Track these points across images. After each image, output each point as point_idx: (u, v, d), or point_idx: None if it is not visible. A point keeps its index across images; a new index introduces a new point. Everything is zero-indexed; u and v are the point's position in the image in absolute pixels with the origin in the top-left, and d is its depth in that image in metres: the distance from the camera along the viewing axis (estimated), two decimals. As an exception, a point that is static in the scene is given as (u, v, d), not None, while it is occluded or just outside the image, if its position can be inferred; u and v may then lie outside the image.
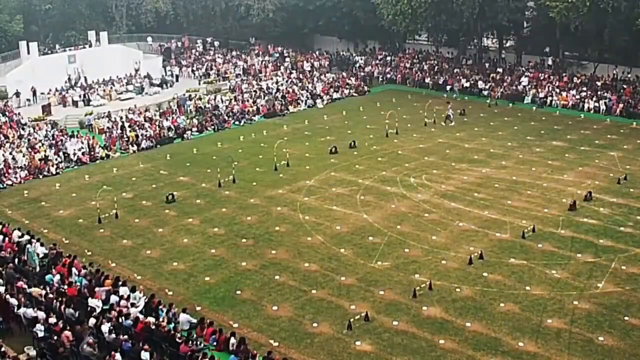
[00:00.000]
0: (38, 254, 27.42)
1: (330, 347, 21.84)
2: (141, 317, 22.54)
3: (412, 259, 27.56)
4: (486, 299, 24.41)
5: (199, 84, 59.46)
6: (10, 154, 40.66)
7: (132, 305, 23.42)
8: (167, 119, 48.69)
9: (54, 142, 43.43)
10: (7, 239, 28.62)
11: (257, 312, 23.97)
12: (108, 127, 46.41)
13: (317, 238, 29.82)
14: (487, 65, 61.97)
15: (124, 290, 24.17)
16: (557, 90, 53.73)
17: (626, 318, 23.04)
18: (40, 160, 40.21)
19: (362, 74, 63.70)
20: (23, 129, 45.62)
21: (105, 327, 21.74)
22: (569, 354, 21.12)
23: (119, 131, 45.93)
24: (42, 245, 28.21)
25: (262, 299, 24.86)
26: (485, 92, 56.05)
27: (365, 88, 59.95)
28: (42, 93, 53.23)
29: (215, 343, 21.85)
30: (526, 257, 27.42)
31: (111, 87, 56.04)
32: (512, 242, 28.88)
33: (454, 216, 31.75)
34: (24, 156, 40.68)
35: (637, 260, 27.02)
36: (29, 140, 43.38)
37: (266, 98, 54.57)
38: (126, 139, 44.69)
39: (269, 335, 22.52)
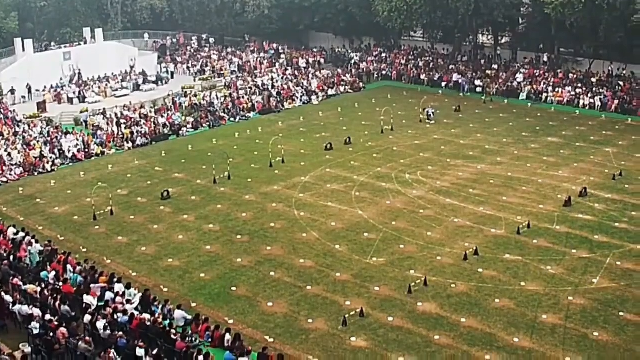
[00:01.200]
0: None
1: (325, 343, 21.85)
2: (136, 313, 22.53)
3: (407, 255, 27.59)
4: (481, 295, 24.46)
5: (194, 80, 59.35)
6: (6, 151, 40.57)
7: (128, 302, 23.40)
8: (162, 116, 48.62)
9: (49, 139, 43.34)
10: (2, 236, 28.57)
11: (253, 309, 23.97)
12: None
13: (313, 234, 29.83)
14: (482, 61, 61.96)
15: (119, 287, 24.17)
16: (553, 87, 53.84)
17: (621, 313, 23.10)
18: (35, 157, 40.15)
19: (358, 70, 63.66)
20: (18, 126, 45.48)
21: (100, 324, 21.71)
22: (564, 350, 21.17)
23: (113, 128, 45.85)
24: (37, 242, 28.14)
25: (258, 295, 24.87)
26: (481, 89, 56.09)
27: (361, 85, 59.94)
28: (37, 90, 53.08)
29: (210, 339, 21.84)
30: (521, 253, 27.48)
31: (106, 84, 55.95)
32: (507, 238, 28.92)
33: (449, 212, 31.79)
34: (19, 153, 40.58)
35: (632, 256, 27.09)
36: (24, 137, 43.23)
37: (261, 95, 54.48)
38: (121, 136, 44.61)
39: (264, 331, 22.53)
